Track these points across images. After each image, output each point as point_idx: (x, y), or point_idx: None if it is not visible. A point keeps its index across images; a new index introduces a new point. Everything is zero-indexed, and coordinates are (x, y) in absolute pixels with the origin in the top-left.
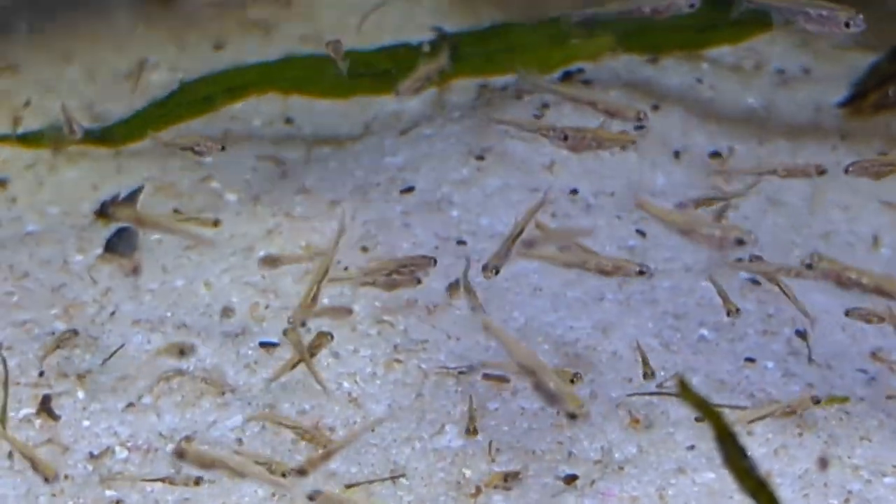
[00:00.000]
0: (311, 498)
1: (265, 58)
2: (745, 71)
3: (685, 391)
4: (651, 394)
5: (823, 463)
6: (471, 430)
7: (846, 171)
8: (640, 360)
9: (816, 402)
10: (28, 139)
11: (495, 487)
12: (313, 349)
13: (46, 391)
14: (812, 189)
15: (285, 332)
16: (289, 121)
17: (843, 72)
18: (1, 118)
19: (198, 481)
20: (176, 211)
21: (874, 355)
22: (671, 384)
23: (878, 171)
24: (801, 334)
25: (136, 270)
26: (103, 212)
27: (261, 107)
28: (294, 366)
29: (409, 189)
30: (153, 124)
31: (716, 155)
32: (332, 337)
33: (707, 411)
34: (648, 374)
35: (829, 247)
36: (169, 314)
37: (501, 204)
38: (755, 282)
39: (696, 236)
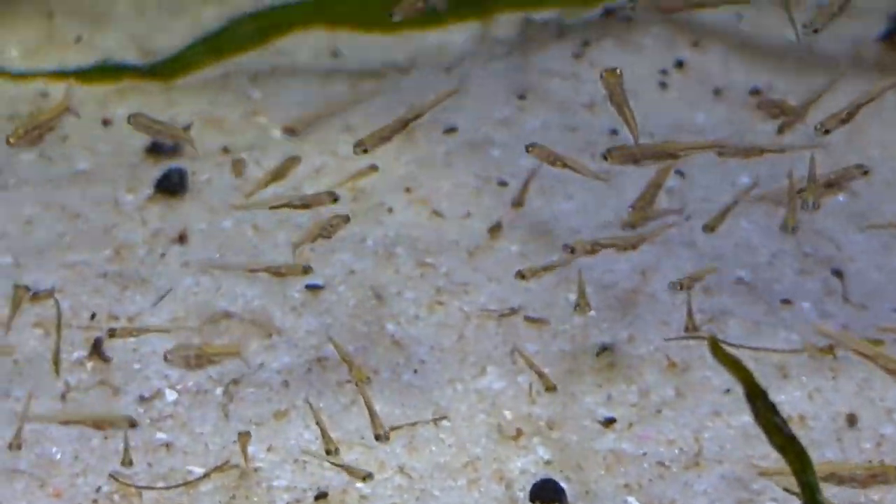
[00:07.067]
0: None
1: None
2: None
3: (716, 350)
4: (687, 337)
5: (853, 420)
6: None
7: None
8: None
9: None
10: (84, 75)
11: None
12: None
13: (98, 334)
14: (851, 125)
15: None
16: (335, 54)
17: (885, 5)
18: (51, 55)
19: None
20: (225, 150)
21: None
22: (708, 328)
23: None
24: (838, 273)
25: (182, 239)
26: (154, 149)
27: (307, 40)
28: None
29: (452, 129)
30: (202, 59)
31: (756, 92)
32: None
33: (737, 370)
34: (690, 328)
35: (868, 184)
36: (217, 255)
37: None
38: None
39: None
